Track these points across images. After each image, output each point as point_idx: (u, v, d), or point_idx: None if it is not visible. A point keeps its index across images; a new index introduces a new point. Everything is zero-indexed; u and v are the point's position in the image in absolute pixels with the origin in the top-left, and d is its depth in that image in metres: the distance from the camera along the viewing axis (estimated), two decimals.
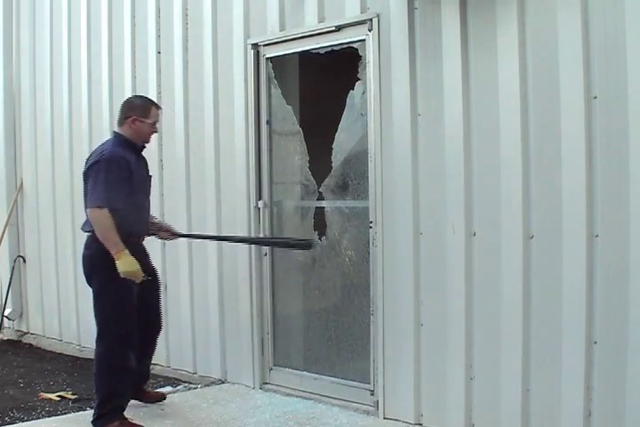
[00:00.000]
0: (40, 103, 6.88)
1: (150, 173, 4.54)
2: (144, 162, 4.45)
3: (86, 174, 4.22)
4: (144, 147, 4.42)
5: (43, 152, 6.86)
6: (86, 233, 4.27)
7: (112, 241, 4.05)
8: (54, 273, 6.78)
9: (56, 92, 6.67)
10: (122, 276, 4.06)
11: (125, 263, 4.04)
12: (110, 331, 4.17)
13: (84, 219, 4.31)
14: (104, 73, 6.15)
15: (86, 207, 4.15)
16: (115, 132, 4.43)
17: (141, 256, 4.29)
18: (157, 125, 4.47)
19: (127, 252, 4.06)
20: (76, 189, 6.47)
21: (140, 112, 4.31)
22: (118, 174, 4.11)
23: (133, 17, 5.87)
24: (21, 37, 7.08)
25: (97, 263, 4.16)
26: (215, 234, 5.14)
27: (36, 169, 6.98)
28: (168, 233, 4.74)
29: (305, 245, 4.63)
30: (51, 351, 6.69)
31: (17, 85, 7.15)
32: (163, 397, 4.78)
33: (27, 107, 7.05)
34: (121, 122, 4.36)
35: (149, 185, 4.51)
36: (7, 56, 7.17)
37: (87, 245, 4.26)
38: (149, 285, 4.39)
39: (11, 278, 7.11)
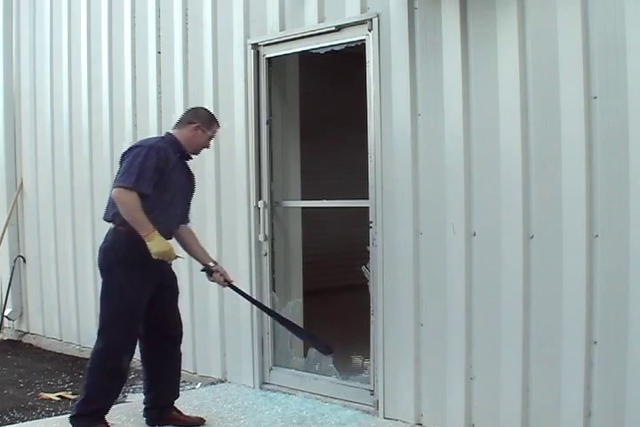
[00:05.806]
0: (40, 103, 6.88)
1: (193, 189, 4.38)
2: (188, 172, 4.31)
3: (124, 156, 4.12)
4: (190, 157, 4.30)
5: (43, 152, 6.86)
6: (109, 224, 4.14)
7: (140, 222, 3.93)
8: (54, 273, 6.78)
9: (56, 93, 6.67)
10: (154, 257, 3.95)
11: (156, 244, 3.94)
12: (112, 328, 4.09)
13: (101, 210, 4.19)
14: (104, 73, 6.15)
15: (113, 187, 4.00)
16: (168, 132, 4.33)
17: (162, 261, 4.09)
18: (211, 142, 4.38)
19: (157, 232, 3.95)
20: (76, 189, 6.49)
21: (205, 122, 4.27)
22: (155, 163, 4.00)
23: (133, 17, 5.88)
24: (21, 37, 7.09)
25: (110, 258, 4.09)
26: (259, 301, 4.83)
27: (36, 169, 6.98)
28: (222, 278, 4.37)
29: (325, 349, 4.47)
30: (51, 351, 6.69)
31: (17, 86, 7.16)
32: (201, 421, 4.44)
33: (27, 107, 7.05)
34: (182, 125, 4.27)
35: (187, 195, 4.33)
36: (7, 56, 7.17)
37: (105, 239, 4.16)
38: (167, 292, 4.28)
39: (11, 278, 7.12)
